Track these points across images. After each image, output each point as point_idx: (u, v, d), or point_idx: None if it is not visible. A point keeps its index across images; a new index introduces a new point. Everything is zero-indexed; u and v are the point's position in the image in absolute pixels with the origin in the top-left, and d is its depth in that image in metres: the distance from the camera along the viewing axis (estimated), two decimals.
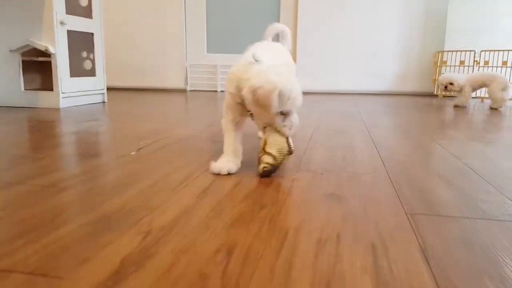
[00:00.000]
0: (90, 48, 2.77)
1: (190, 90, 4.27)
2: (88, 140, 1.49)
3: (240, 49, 4.56)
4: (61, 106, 2.49)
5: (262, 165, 0.98)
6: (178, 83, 4.31)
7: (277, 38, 1.40)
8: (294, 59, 4.03)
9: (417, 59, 3.94)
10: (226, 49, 4.22)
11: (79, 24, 2.61)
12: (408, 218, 0.76)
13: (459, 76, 2.78)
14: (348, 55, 4.01)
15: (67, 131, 1.69)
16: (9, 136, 1.56)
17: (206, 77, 4.29)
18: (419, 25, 3.87)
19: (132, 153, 1.27)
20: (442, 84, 2.78)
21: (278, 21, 4.11)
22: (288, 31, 1.39)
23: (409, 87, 4.00)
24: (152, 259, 0.58)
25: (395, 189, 0.94)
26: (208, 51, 4.27)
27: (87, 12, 2.69)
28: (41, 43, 2.39)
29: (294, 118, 0.98)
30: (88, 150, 1.32)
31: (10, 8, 2.44)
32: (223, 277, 0.54)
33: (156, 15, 4.17)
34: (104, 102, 2.91)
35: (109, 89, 3.63)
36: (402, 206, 0.83)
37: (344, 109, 2.69)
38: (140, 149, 1.33)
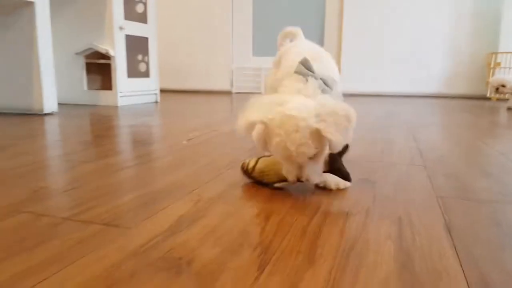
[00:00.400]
0: (145, 51, 2.97)
1: (236, 92, 4.42)
2: (143, 132, 1.64)
3: None
4: (119, 104, 2.70)
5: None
6: (224, 85, 4.47)
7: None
8: (339, 60, 4.06)
9: (468, 60, 3.83)
10: (271, 52, 4.33)
11: (136, 29, 2.82)
12: (437, 201, 0.81)
13: None
14: (395, 56, 3.98)
15: (125, 124, 1.86)
16: (79, 127, 1.75)
17: (251, 80, 4.42)
18: (469, 25, 3.77)
19: (184, 142, 1.39)
20: (494, 86, 2.71)
21: (324, 24, 4.16)
22: (301, 33, 1.24)
23: (460, 89, 3.90)
24: (202, 219, 0.68)
25: (429, 177, 0.98)
26: (254, 54, 4.40)
27: (142, 18, 2.90)
28: (102, 47, 2.62)
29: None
30: (144, 139, 1.46)
31: (75, 15, 2.69)
32: (261, 233, 0.63)
33: (205, 20, 4.36)
34: (156, 101, 3.11)
35: (160, 90, 3.85)
36: (434, 190, 0.87)
37: (389, 109, 2.70)
38: (190, 139, 1.45)
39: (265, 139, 0.78)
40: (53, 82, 2.16)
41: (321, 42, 4.15)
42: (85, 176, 0.95)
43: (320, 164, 0.79)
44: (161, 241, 0.59)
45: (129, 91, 2.79)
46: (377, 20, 3.97)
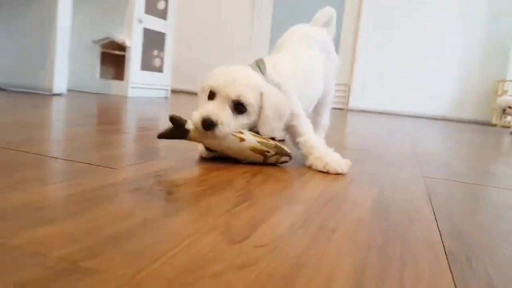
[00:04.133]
0: (161, 47, 3.03)
1: None
2: (149, 113, 1.67)
3: None
4: (128, 95, 2.74)
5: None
6: None
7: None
8: (351, 78, 4.08)
9: (476, 86, 3.82)
10: None
11: (155, 23, 2.88)
12: (423, 178, 0.81)
13: None
14: (404, 78, 3.99)
15: (133, 108, 1.89)
16: (86, 106, 1.78)
17: None
18: (480, 52, 3.78)
19: None
20: (501, 107, 2.69)
21: (339, 40, 4.20)
22: (335, 16, 1.29)
23: (466, 114, 3.88)
24: (190, 169, 0.70)
25: (419, 165, 0.98)
26: None
27: (163, 14, 2.96)
28: (120, 36, 2.68)
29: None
30: (149, 118, 1.49)
31: (97, 3, 2.77)
32: (246, 182, 0.64)
33: (225, 25, 4.44)
34: (166, 97, 3.15)
35: (172, 91, 3.90)
36: (421, 172, 0.88)
37: (398, 125, 2.70)
38: None
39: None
40: (66, 65, 2.21)
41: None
42: (83, 135, 0.97)
43: (241, 124, 0.77)
44: (144, 178, 0.61)
45: (140, 83, 2.84)
46: (389, 42, 4.00)
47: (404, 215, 0.54)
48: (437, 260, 0.40)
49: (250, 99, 0.75)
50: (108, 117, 1.44)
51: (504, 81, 3.54)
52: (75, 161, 0.67)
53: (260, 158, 0.78)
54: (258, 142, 0.77)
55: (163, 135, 0.74)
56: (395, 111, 4.03)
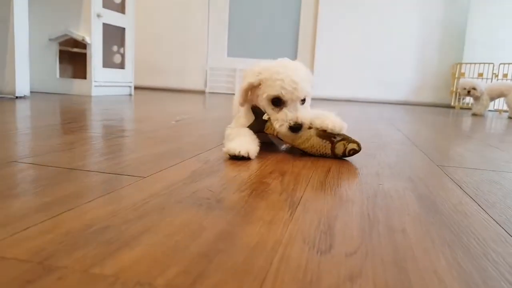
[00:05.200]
0: (121, 43, 2.90)
1: (209, 92, 4.39)
2: (126, 114, 1.60)
3: (259, 54, 4.59)
4: (92, 94, 2.61)
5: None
6: (198, 85, 4.43)
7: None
8: (312, 64, 4.14)
9: (435, 70, 4.02)
10: (245, 54, 4.35)
11: (113, 18, 2.75)
12: (439, 167, 0.84)
13: (481, 83, 2.83)
14: (364, 64, 4.11)
15: (105, 107, 1.80)
16: (55, 108, 1.67)
17: (225, 80, 4.41)
18: (437, 36, 3.97)
19: (172, 122, 1.37)
20: (465, 89, 2.81)
21: (298, 29, 4.24)
22: None
23: (426, 98, 4.08)
24: (218, 172, 0.67)
25: (423, 152, 1.02)
26: (228, 55, 4.40)
27: (120, 8, 2.83)
28: (79, 33, 2.53)
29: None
30: (131, 119, 1.42)
31: None
32: (281, 183, 0.63)
33: (182, 18, 4.33)
34: (131, 94, 3.03)
35: (135, 87, 3.76)
36: (432, 161, 0.91)
37: (365, 110, 2.78)
38: (178, 120, 1.43)
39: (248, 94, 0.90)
40: (27, 66, 2.07)
41: (295, 46, 4.23)
42: (78, 141, 0.91)
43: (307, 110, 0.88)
44: (182, 186, 0.58)
45: (104, 81, 2.71)
46: (348, 28, 4.09)
47: (452, 208, 0.55)
48: (498, 234, 0.41)
49: (309, 91, 0.86)
50: (81, 119, 1.36)
51: (460, 63, 3.73)
52: (94, 171, 0.63)
53: (327, 145, 0.84)
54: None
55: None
56: (357, 98, 4.14)
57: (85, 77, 2.62)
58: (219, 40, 4.43)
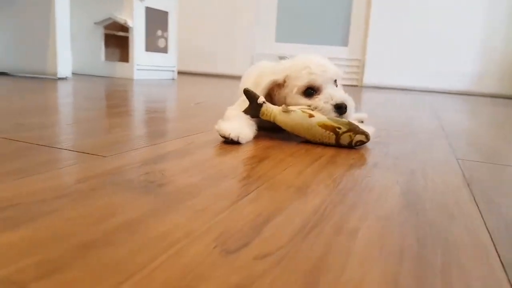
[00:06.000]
0: (165, 27, 2.93)
1: None
2: (155, 95, 1.60)
3: (308, 40, 4.44)
4: (134, 78, 2.67)
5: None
6: (244, 71, 4.40)
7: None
8: (364, 50, 3.93)
9: (499, 59, 3.64)
10: (294, 39, 4.22)
11: (157, 1, 2.77)
12: (458, 161, 0.72)
13: None
14: (422, 52, 3.81)
15: (138, 90, 1.81)
16: (91, 88, 1.71)
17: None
18: (503, 21, 3.58)
19: (192, 105, 1.34)
20: None
21: (350, 14, 4.03)
22: None
23: (490, 88, 3.72)
24: (190, 155, 0.62)
25: (449, 144, 0.89)
26: (277, 40, 4.31)
27: None
28: (121, 17, 2.58)
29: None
30: (154, 99, 1.41)
31: None
32: (252, 169, 0.56)
33: (228, 2, 4.29)
34: (173, 79, 3.06)
35: (179, 72, 3.81)
36: (454, 154, 0.78)
37: (417, 99, 2.58)
38: (198, 103, 1.39)
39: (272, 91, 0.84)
40: (68, 48, 2.14)
41: (346, 31, 4.03)
42: (87, 117, 0.90)
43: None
44: (137, 167, 0.53)
45: (146, 65, 2.76)
46: (405, 11, 3.81)
47: (441, 207, 0.46)
48: (491, 270, 0.32)
49: (340, 73, 0.83)
50: (112, 99, 1.36)
51: None
52: (62, 149, 0.60)
53: (332, 136, 0.75)
54: (329, 119, 0.75)
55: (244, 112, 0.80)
56: (413, 86, 3.88)
57: (128, 61, 2.68)
58: (268, 24, 4.35)
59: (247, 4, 4.31)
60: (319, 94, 0.79)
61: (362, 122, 1.02)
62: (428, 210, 0.44)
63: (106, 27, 2.70)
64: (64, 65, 2.11)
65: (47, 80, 1.98)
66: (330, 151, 0.72)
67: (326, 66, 0.80)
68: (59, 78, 2.09)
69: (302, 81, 0.79)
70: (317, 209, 0.42)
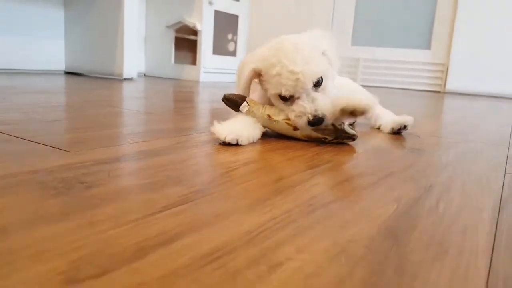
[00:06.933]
0: (234, 30, 2.93)
1: None
2: (205, 96, 1.57)
3: (386, 43, 4.16)
4: (200, 80, 2.70)
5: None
6: None
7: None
8: (448, 57, 3.54)
9: None
10: (371, 43, 3.98)
11: (227, 5, 2.79)
12: (504, 176, 0.55)
13: None
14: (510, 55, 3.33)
15: (191, 90, 1.82)
16: (150, 88, 1.76)
17: (347, 70, 4.12)
18: None
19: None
20: None
21: (434, 16, 3.67)
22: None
23: None
24: (168, 155, 0.55)
25: (508, 156, 0.70)
26: (353, 43, 4.10)
27: None
28: (190, 20, 2.64)
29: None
30: (194, 99, 1.38)
31: None
32: (216, 178, 0.47)
33: (303, 6, 4.19)
34: None
35: None
36: (505, 166, 0.61)
37: (501, 107, 2.24)
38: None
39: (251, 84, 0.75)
40: (135, 50, 2.23)
41: (428, 35, 3.67)
42: (87, 115, 0.89)
43: (329, 97, 0.70)
44: (88, 166, 0.47)
45: (213, 68, 2.78)
46: (494, 12, 3.36)
47: (435, 239, 0.32)
48: None
49: (323, 69, 0.70)
50: (151, 99, 1.36)
51: None
52: (33, 142, 0.57)
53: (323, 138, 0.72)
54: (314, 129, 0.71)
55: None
56: (503, 94, 3.41)
57: (195, 63, 2.73)
58: (344, 28, 4.17)
59: (322, 6, 4.17)
60: (297, 99, 0.69)
61: (405, 127, 0.87)
62: (411, 244, 0.31)
63: (177, 31, 2.78)
64: (130, 66, 2.20)
65: (113, 80, 2.08)
66: (335, 157, 0.60)
67: (299, 74, 0.66)
68: (125, 79, 2.18)
69: (273, 89, 0.69)
70: (260, 226, 0.32)
